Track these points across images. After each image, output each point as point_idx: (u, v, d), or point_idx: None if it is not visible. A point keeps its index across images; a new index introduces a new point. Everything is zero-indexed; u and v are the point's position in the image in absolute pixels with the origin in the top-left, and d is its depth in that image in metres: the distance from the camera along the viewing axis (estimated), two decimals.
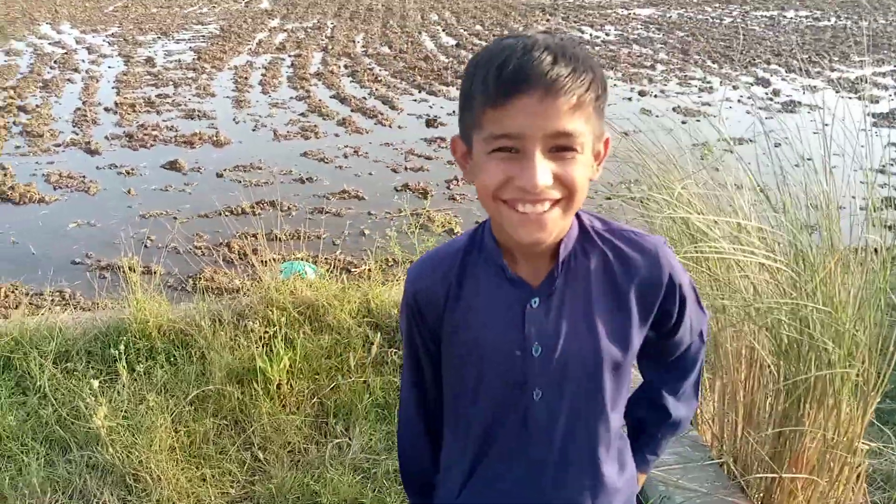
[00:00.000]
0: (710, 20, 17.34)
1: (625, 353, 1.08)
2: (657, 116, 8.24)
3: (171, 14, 18.59)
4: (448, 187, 6.57)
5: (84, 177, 6.56)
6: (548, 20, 16.98)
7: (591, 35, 14.93)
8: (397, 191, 6.48)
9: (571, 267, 1.07)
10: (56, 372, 2.67)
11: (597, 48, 13.36)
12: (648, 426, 1.29)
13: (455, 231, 5.77)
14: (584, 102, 0.93)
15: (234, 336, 2.82)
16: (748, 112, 8.88)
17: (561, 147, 0.94)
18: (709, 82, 10.81)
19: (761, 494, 2.16)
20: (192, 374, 2.68)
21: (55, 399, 2.55)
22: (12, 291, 4.52)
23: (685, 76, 11.20)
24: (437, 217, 5.84)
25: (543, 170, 0.93)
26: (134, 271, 3.00)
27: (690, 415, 1.32)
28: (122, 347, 2.55)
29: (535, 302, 1.06)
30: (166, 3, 20.94)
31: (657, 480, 2.22)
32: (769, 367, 2.05)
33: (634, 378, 1.20)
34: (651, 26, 16.38)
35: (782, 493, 2.08)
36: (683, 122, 8.61)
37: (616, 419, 1.14)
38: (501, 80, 0.90)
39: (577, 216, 1.09)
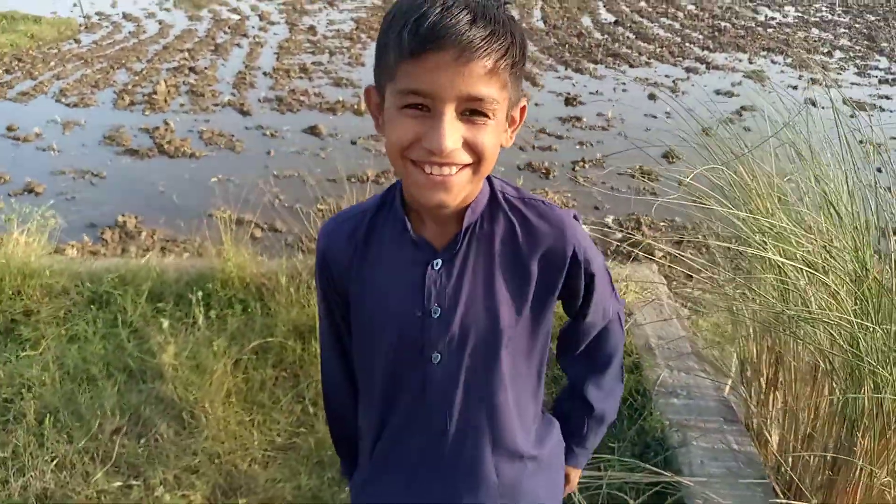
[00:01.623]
0: None
1: (520, 317, 1.07)
2: (822, 108, 7.58)
3: None
4: (573, 168, 6.41)
5: (233, 136, 7.05)
6: None
7: (766, 16, 13.81)
8: (520, 169, 6.40)
9: (477, 232, 1.05)
10: (147, 310, 2.92)
11: (769, 31, 12.36)
12: (574, 419, 1.28)
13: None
14: (500, 67, 0.90)
15: (306, 293, 2.94)
16: None
17: (473, 111, 0.92)
18: (893, 73, 9.69)
19: None
20: (261, 326, 2.84)
21: (140, 335, 2.80)
22: (151, 235, 4.98)
23: (866, 66, 10.10)
24: (554, 199, 5.72)
25: (453, 133, 0.91)
26: (230, 224, 3.20)
27: (615, 406, 1.30)
28: (199, 294, 2.74)
29: (437, 264, 1.05)
30: None
31: (696, 495, 2.07)
32: (833, 387, 1.84)
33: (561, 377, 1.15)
34: (838, 8, 14.89)
35: None
36: (852, 117, 7.88)
37: (520, 392, 1.13)
38: (417, 35, 0.87)
39: (490, 182, 1.07)
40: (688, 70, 9.90)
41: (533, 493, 1.18)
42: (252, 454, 2.40)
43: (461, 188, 0.96)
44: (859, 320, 1.55)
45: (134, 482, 2.27)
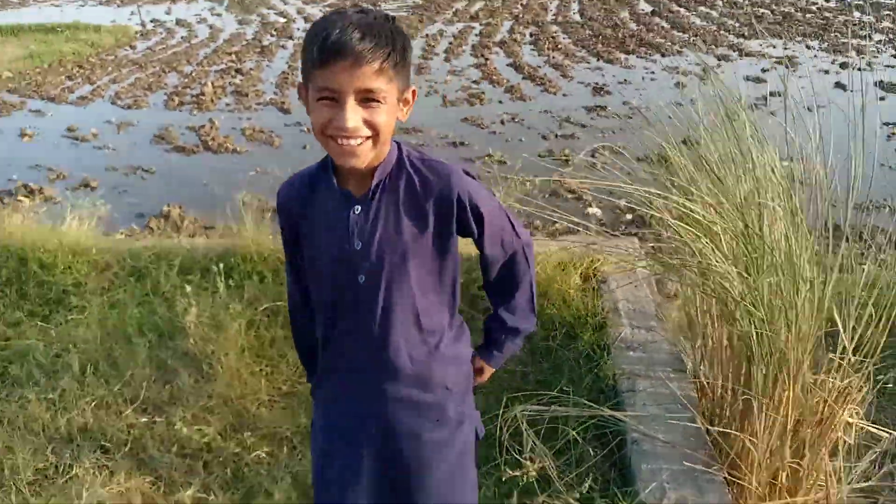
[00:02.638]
0: None
1: (421, 248, 1.43)
2: (851, 91, 7.57)
3: None
4: (592, 155, 6.64)
5: (272, 132, 7.52)
6: None
7: (807, 1, 13.64)
8: (541, 157, 6.66)
9: (386, 185, 1.42)
10: (177, 281, 3.36)
11: (808, 16, 12.24)
12: (493, 332, 1.65)
13: (584, 198, 5.90)
14: (386, 68, 1.27)
15: None
16: None
17: (368, 99, 1.29)
18: None
19: (730, 454, 2.22)
20: (273, 292, 3.24)
21: (170, 302, 3.23)
22: (192, 223, 5.46)
23: None
24: (571, 182, 5.97)
25: (354, 116, 1.28)
26: (248, 209, 3.63)
27: (528, 326, 1.65)
28: (221, 265, 3.17)
29: (357, 209, 1.42)
30: None
31: (632, 428, 2.36)
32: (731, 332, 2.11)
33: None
34: None
35: (745, 457, 2.14)
36: (882, 99, 7.83)
37: (432, 304, 1.49)
38: (324, 50, 1.25)
39: (399, 148, 1.44)
40: (720, 58, 9.96)
41: (441, 379, 1.54)
42: (260, 398, 2.79)
43: (366, 155, 1.33)
44: (738, 270, 1.82)
45: (158, 419, 2.69)
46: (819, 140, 2.11)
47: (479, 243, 1.51)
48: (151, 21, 15.91)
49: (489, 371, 1.71)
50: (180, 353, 2.98)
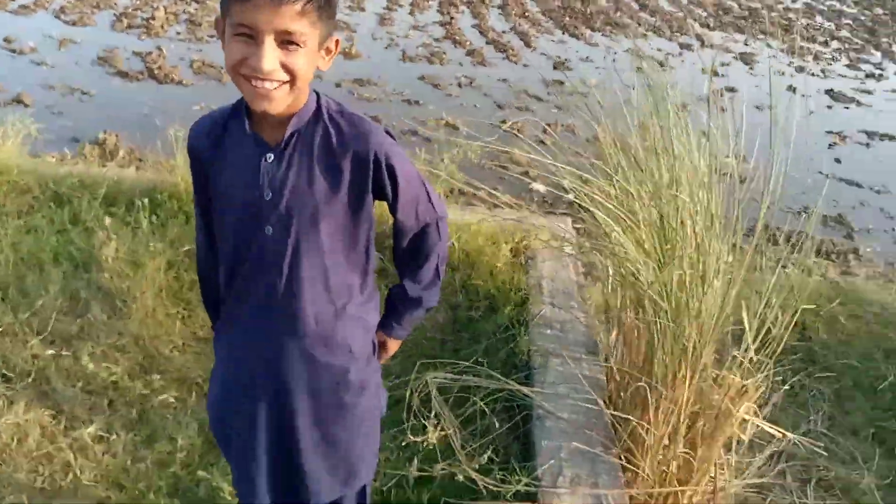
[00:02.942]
0: None
1: (334, 203, 1.39)
2: (802, 96, 7.74)
3: None
4: (543, 131, 6.65)
5: (222, 68, 7.27)
6: None
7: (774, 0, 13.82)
8: (492, 126, 6.64)
9: (302, 134, 1.37)
10: (100, 212, 3.25)
11: (773, 14, 12.41)
12: (395, 303, 1.62)
13: (531, 174, 5.92)
14: (309, 10, 1.21)
15: None
16: None
17: (287, 41, 1.23)
18: (882, 69, 9.81)
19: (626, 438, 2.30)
20: None
21: (90, 233, 3.13)
22: (129, 153, 5.27)
23: (858, 59, 10.20)
24: (521, 159, 5.99)
25: (271, 57, 1.22)
26: (181, 144, 3.51)
27: (432, 297, 1.63)
28: (145, 200, 3.07)
29: (269, 157, 1.37)
30: None
31: (538, 405, 2.42)
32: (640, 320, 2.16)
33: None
34: None
35: (641, 443, 2.22)
36: (829, 107, 8.05)
37: (341, 263, 1.46)
38: None
39: (318, 98, 1.38)
40: (682, 46, 10.03)
41: (344, 340, 1.51)
42: (173, 341, 2.76)
43: (281, 100, 1.28)
44: (650, 261, 1.87)
45: (65, 353, 2.63)
46: (746, 141, 2.16)
47: (393, 208, 1.49)
48: None
49: (393, 344, 1.70)
50: (95, 287, 2.91)
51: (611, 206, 2.02)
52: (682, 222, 1.90)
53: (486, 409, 2.42)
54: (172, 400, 2.53)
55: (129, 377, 2.58)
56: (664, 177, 2.00)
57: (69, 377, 2.55)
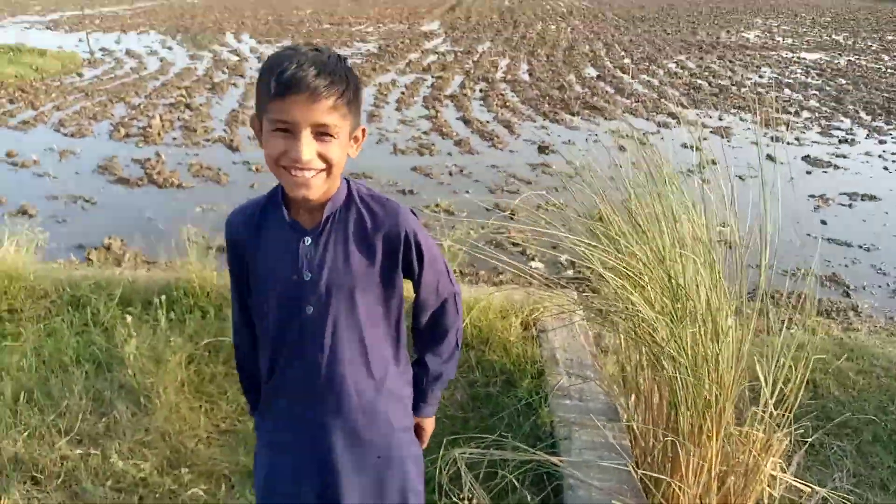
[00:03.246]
0: (882, 70, 16.18)
1: (370, 280, 1.48)
2: (781, 164, 8.03)
3: (340, 31, 20.19)
4: (536, 209, 6.85)
5: (220, 169, 7.49)
6: (701, 58, 16.65)
7: (741, 76, 14.49)
8: (487, 210, 6.85)
9: (336, 218, 1.47)
10: (117, 312, 3.31)
11: (743, 90, 12.99)
12: (418, 379, 1.68)
13: (528, 251, 6.06)
14: (339, 104, 1.33)
15: None
16: (885, 168, 8.41)
17: (322, 133, 1.34)
18: (853, 134, 10.24)
19: (661, 501, 2.32)
20: (216, 328, 3.23)
21: (109, 333, 3.19)
22: (134, 257, 5.37)
23: (829, 126, 10.65)
24: (517, 237, 6.15)
25: (308, 148, 1.33)
26: (194, 245, 3.62)
27: (452, 370, 1.71)
28: (163, 297, 3.14)
29: (307, 240, 1.46)
30: (338, 21, 22.77)
31: (568, 474, 2.44)
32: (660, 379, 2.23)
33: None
34: (812, 72, 15.56)
35: (669, 499, 2.24)
36: (808, 173, 8.36)
37: (379, 338, 1.54)
38: (280, 83, 1.29)
39: (348, 183, 1.50)
40: (659, 125, 10.44)
41: (385, 414, 1.57)
42: (198, 435, 2.77)
43: (318, 187, 1.38)
44: (660, 315, 1.96)
45: (93, 451, 2.64)
46: (741, 207, 2.29)
47: (417, 284, 1.57)
48: (100, 49, 15.72)
49: (428, 424, 1.76)
50: (118, 385, 2.94)
51: (622, 268, 2.12)
52: (690, 280, 2.00)
53: (517, 483, 2.44)
54: (202, 493, 2.52)
55: (157, 472, 2.58)
56: (667, 239, 2.12)
57: (98, 476, 2.55)
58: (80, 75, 12.65)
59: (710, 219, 2.37)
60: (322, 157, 1.34)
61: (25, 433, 2.68)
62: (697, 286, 2.04)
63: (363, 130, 1.46)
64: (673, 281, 2.02)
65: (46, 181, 6.95)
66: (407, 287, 1.59)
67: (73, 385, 2.88)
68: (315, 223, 1.46)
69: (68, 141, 8.26)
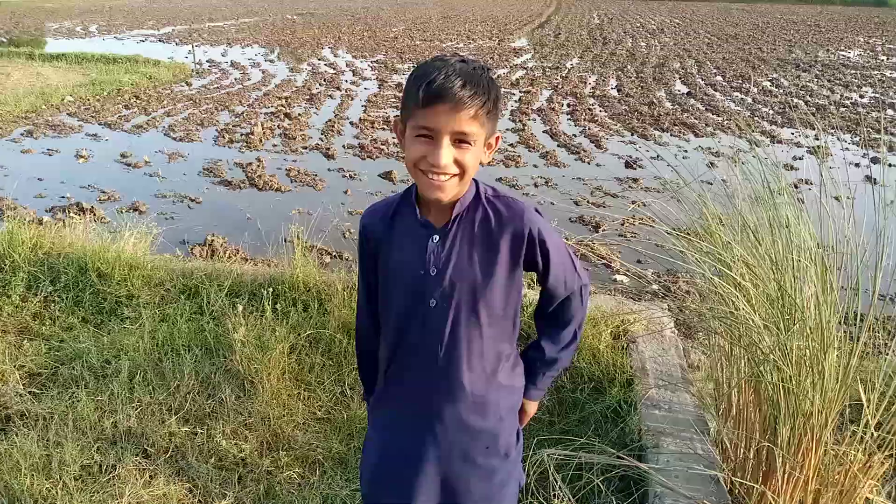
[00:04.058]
0: None
1: (491, 278, 1.55)
2: (882, 186, 7.70)
3: (431, 47, 20.58)
4: (622, 224, 6.81)
5: (316, 175, 7.79)
6: (797, 77, 16.09)
7: (841, 95, 13.91)
8: (571, 222, 6.85)
9: (463, 217, 1.55)
10: (225, 302, 3.52)
11: (842, 109, 12.48)
12: (531, 362, 1.74)
13: (612, 265, 6.03)
14: (480, 114, 1.42)
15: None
16: None
17: (461, 140, 1.43)
18: None
19: None
20: (317, 321, 3.39)
21: (218, 321, 3.39)
22: (235, 252, 5.66)
23: None
24: (601, 249, 6.13)
25: (447, 154, 1.43)
26: (299, 242, 3.81)
27: (566, 359, 1.76)
28: (269, 290, 3.33)
29: (435, 238, 1.55)
30: (429, 38, 23.21)
31: (656, 481, 2.44)
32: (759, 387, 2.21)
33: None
34: None
35: None
36: None
37: (494, 333, 1.60)
38: (427, 93, 1.39)
39: (476, 184, 1.58)
40: (751, 143, 10.18)
41: (496, 406, 1.64)
42: (296, 420, 2.91)
43: (451, 189, 1.47)
44: (765, 323, 1.95)
45: (199, 430, 2.82)
46: (852, 225, 2.24)
47: (543, 278, 1.63)
48: (207, 61, 16.60)
49: (531, 407, 1.81)
50: (224, 370, 3.13)
51: (729, 276, 2.12)
52: (801, 290, 1.99)
53: (603, 487, 2.46)
54: (297, 476, 2.66)
55: (256, 454, 2.73)
56: (780, 248, 2.11)
57: (202, 453, 2.72)
58: (188, 84, 13.40)
59: (824, 232, 2.34)
60: (458, 162, 1.43)
61: (138, 409, 2.89)
62: (808, 297, 2.03)
63: (497, 138, 1.54)
64: (782, 290, 2.01)
65: (156, 181, 7.41)
66: (529, 276, 1.65)
67: (184, 367, 3.09)
68: (444, 222, 1.55)
69: (177, 144, 8.77)
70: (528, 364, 1.75)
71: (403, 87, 1.51)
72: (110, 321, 3.53)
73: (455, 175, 1.45)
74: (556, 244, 1.59)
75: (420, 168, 1.45)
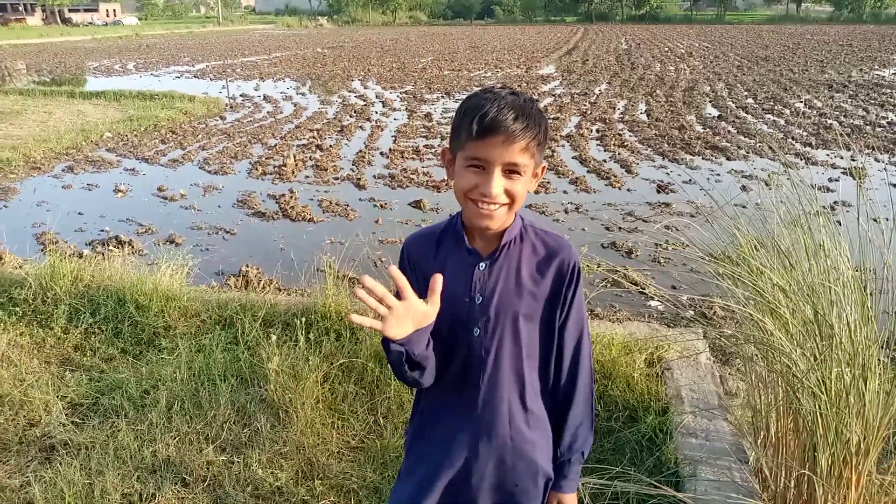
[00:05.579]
0: None
1: (535, 308, 1.56)
2: None
3: (459, 77, 20.84)
4: (656, 248, 6.76)
5: (347, 205, 7.89)
6: (831, 97, 15.90)
7: (876, 115, 13.71)
8: (603, 247, 6.82)
9: (510, 248, 1.57)
10: (260, 332, 3.57)
11: (878, 129, 12.29)
12: (558, 464, 1.69)
13: (645, 291, 5.97)
14: (531, 146, 1.44)
15: None
16: None
17: (511, 171, 1.46)
18: None
19: None
20: (349, 349, 3.41)
21: (253, 351, 3.44)
22: (269, 283, 5.74)
23: None
24: (634, 276, 6.09)
25: (498, 184, 1.45)
26: (331, 271, 3.86)
27: (588, 445, 1.71)
28: (302, 319, 3.37)
29: (482, 266, 1.56)
30: (457, 68, 23.47)
31: None
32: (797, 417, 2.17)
33: None
34: None
35: None
36: None
37: (532, 368, 1.61)
38: (480, 126, 1.42)
39: (521, 218, 1.60)
40: (785, 165, 10.05)
41: (532, 441, 1.64)
42: (330, 449, 2.93)
43: (500, 218, 1.49)
44: (801, 350, 1.92)
45: (236, 459, 2.85)
46: (892, 247, 2.21)
47: (563, 321, 1.60)
48: (241, 95, 17.00)
49: (570, 500, 1.72)
50: (259, 399, 3.16)
51: (765, 301, 2.10)
52: (837, 316, 1.96)
53: None
54: None
55: (292, 483, 2.75)
56: (815, 273, 2.08)
57: (239, 482, 2.75)
58: (222, 118, 13.73)
59: (862, 257, 2.31)
60: (508, 192, 1.45)
61: (177, 438, 2.94)
62: (846, 322, 1.99)
63: (543, 168, 1.56)
64: (819, 316, 1.99)
65: (192, 213, 7.57)
66: None
67: (220, 397, 3.13)
68: (490, 251, 1.57)
69: (211, 178, 8.97)
70: (556, 467, 1.69)
71: (453, 118, 1.54)
72: (148, 352, 3.60)
73: (504, 204, 1.47)
74: (581, 285, 1.61)
75: (471, 197, 1.47)
